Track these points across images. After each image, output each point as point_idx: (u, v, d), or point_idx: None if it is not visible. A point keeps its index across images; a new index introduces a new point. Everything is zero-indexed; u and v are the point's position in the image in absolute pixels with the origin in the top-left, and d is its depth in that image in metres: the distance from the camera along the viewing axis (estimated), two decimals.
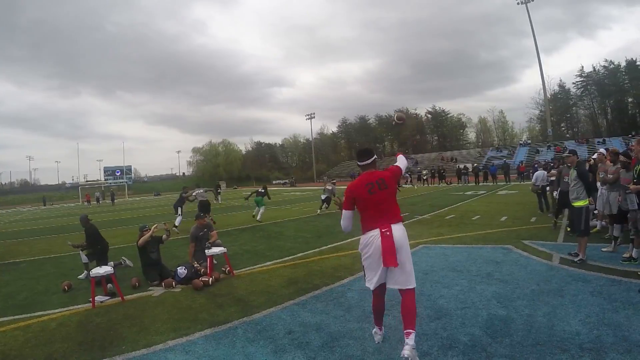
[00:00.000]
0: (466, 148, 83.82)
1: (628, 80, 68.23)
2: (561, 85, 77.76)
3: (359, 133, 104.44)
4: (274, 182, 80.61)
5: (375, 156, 3.97)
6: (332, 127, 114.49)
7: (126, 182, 73.72)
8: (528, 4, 58.67)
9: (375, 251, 3.59)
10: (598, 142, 51.83)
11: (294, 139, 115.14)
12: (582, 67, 74.10)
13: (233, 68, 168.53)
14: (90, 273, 6.29)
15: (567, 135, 72.21)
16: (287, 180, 77.42)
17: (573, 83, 75.97)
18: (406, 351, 3.33)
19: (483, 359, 3.56)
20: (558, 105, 76.86)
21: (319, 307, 5.30)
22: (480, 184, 32.93)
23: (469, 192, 24.60)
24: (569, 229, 8.72)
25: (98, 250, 8.01)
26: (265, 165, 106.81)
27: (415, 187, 34.99)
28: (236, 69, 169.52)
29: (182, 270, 7.02)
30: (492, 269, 6.52)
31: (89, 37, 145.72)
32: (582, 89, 75.01)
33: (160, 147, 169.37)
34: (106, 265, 7.24)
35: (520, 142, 71.25)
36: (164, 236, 7.83)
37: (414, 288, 3.63)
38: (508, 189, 25.60)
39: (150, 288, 6.82)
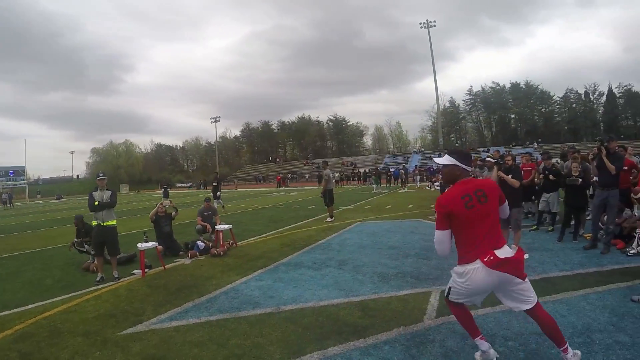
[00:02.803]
0: (364, 154, 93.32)
1: (511, 99, 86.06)
2: (451, 102, 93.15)
3: (261, 137, 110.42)
4: (177, 184, 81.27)
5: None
6: (235, 131, 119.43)
7: (26, 184, 66.98)
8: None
9: (477, 287, 3.09)
10: (483, 150, 61.45)
11: (196, 141, 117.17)
12: (471, 86, 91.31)
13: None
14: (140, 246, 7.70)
15: (456, 145, 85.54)
16: (192, 183, 78.80)
17: (463, 100, 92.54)
18: None
19: (422, 258, 7.35)
20: (448, 118, 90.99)
21: (313, 254, 8.88)
22: (382, 185, 38.26)
23: (374, 191, 29.60)
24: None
25: None
26: (166, 168, 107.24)
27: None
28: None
29: (201, 244, 8.96)
30: (413, 230, 10.67)
31: None
32: (471, 105, 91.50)
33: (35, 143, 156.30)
34: None
35: (414, 149, 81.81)
36: (173, 213, 9.61)
37: (537, 302, 3.14)
38: (408, 189, 31.55)
39: (175, 260, 8.46)
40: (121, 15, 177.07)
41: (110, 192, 7.46)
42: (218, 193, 20.16)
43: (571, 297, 4.93)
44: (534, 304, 3.10)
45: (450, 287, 3.33)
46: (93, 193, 7.34)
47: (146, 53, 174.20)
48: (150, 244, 7.77)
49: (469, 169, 3.28)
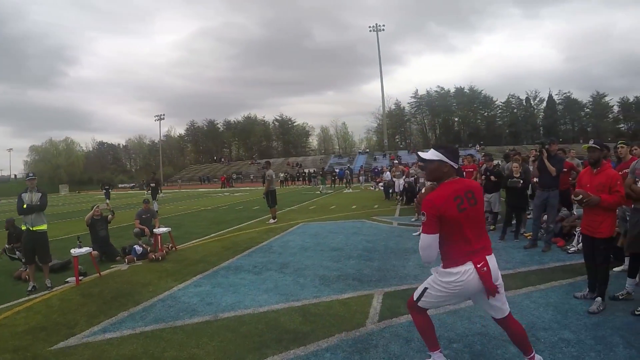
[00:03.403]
0: (309, 155, 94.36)
1: (455, 103, 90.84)
2: (397, 104, 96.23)
3: (206, 137, 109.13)
4: (120, 185, 78.59)
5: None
6: (180, 130, 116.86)
7: None
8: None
9: (465, 289, 2.92)
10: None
11: (139, 140, 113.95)
12: (417, 90, 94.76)
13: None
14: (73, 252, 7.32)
15: (401, 146, 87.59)
16: (135, 184, 76.42)
17: (408, 103, 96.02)
18: None
19: (365, 260, 7.34)
20: (394, 120, 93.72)
21: (254, 257, 8.71)
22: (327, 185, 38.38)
23: (318, 192, 29.74)
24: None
25: None
26: (108, 168, 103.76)
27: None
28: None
29: (139, 248, 8.67)
30: (356, 230, 10.70)
31: None
32: (416, 108, 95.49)
33: None
34: None
35: (360, 150, 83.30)
36: (110, 216, 9.28)
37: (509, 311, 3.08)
38: (352, 189, 32.18)
39: (112, 266, 8.10)
40: (66, 4, 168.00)
41: (40, 194, 7.03)
42: (160, 194, 19.50)
43: (514, 296, 4.99)
44: (505, 314, 3.02)
45: (425, 289, 3.08)
46: (22, 195, 6.95)
47: (90, 45, 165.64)
48: (84, 250, 7.39)
49: (457, 166, 3.03)
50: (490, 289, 2.85)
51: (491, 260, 2.92)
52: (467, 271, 2.84)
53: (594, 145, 4.71)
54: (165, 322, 4.85)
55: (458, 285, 2.88)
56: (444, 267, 2.95)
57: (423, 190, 3.13)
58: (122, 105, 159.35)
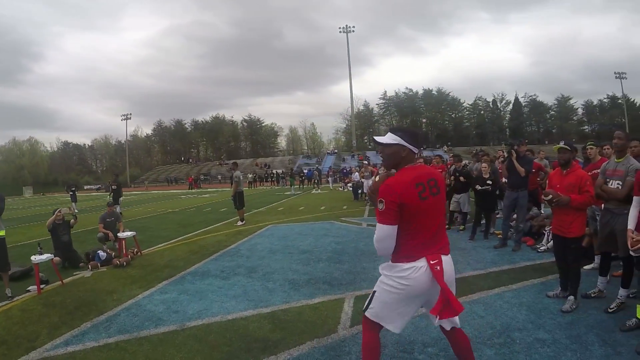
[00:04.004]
0: (278, 155, 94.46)
1: (423, 104, 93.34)
2: (366, 105, 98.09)
3: (174, 137, 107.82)
4: (85, 187, 76.29)
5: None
6: (147, 130, 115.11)
7: None
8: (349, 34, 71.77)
9: (417, 289, 2.60)
10: None
11: (105, 140, 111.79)
12: (385, 91, 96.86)
13: None
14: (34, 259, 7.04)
15: (369, 147, 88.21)
16: (101, 185, 73.87)
17: (377, 104, 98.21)
18: None
19: (335, 262, 7.27)
20: (362, 121, 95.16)
21: (221, 261, 8.55)
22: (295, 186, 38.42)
23: (288, 193, 29.77)
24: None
25: None
26: (74, 169, 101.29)
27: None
28: None
29: (103, 254, 8.31)
30: (325, 232, 10.65)
31: None
32: (384, 109, 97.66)
33: None
34: None
35: (328, 151, 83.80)
36: (72, 220, 8.95)
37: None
38: (321, 190, 32.42)
39: (75, 273, 7.77)
40: None
41: None
42: (121, 198, 18.93)
43: (487, 296, 5.00)
44: (457, 325, 2.80)
45: (374, 292, 2.79)
46: None
47: (56, 41, 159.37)
48: (45, 257, 7.09)
49: (416, 150, 2.74)
50: (443, 287, 2.53)
51: (446, 260, 2.65)
52: (420, 267, 2.56)
53: (564, 146, 4.76)
54: (129, 333, 4.67)
55: (408, 283, 2.59)
56: (394, 260, 2.67)
57: (377, 178, 2.86)
58: (88, 104, 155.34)
